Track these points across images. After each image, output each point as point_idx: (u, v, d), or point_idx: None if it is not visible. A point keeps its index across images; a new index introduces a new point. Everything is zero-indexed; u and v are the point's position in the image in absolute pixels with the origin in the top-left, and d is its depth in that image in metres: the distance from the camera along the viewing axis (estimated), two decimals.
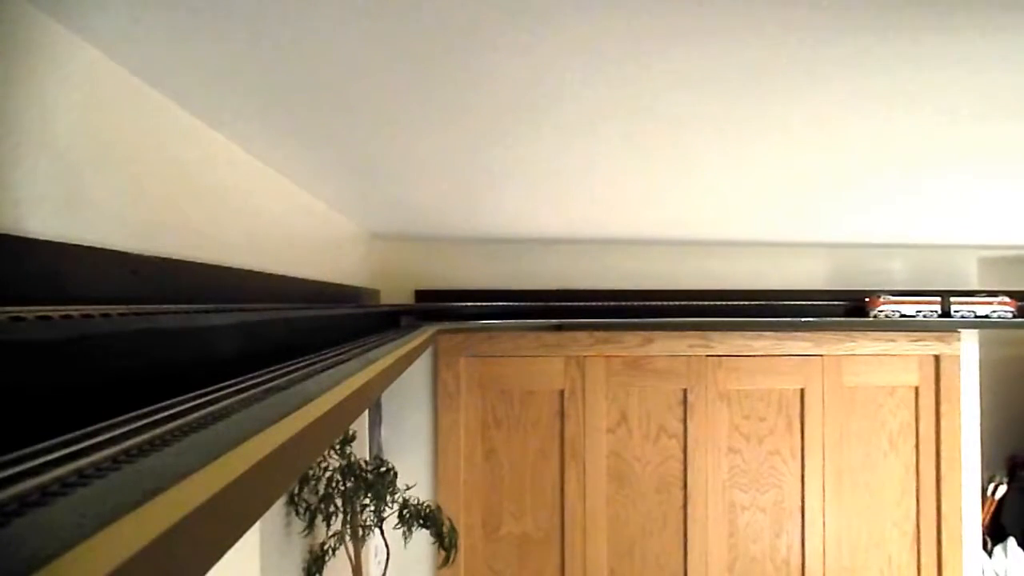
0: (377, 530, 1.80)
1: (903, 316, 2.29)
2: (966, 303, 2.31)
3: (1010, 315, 2.31)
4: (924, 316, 2.30)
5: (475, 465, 2.34)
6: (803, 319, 2.35)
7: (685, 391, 2.39)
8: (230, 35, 0.67)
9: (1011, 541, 2.56)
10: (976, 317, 2.30)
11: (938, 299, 2.32)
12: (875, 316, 2.31)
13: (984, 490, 2.59)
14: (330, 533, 1.68)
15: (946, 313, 2.31)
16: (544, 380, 2.35)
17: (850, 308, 2.40)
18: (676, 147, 1.14)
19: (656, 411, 2.39)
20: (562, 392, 2.35)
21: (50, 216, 0.61)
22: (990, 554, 2.56)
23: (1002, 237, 2.26)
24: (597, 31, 0.67)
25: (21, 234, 0.56)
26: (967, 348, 2.51)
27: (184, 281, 0.85)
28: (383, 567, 1.89)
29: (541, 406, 2.36)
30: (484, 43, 0.70)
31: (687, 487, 2.38)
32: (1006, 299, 2.32)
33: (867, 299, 2.34)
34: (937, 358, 2.47)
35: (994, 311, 2.30)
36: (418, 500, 1.85)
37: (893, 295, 2.32)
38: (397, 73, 0.78)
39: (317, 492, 1.62)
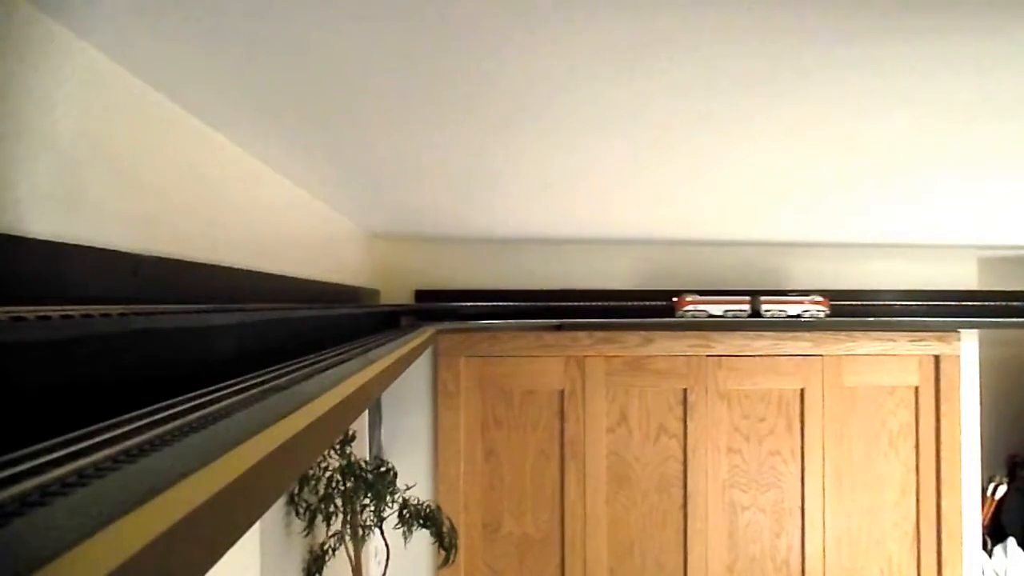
0: (377, 530, 1.80)
1: (710, 316, 2.22)
2: (776, 302, 2.24)
3: (822, 314, 2.24)
4: (733, 316, 2.22)
5: (475, 465, 2.34)
6: (803, 319, 2.35)
7: (685, 391, 2.39)
8: (230, 35, 0.67)
9: (1011, 541, 2.56)
10: (788, 317, 2.23)
11: (747, 298, 2.24)
12: (681, 316, 2.22)
13: (984, 490, 2.59)
14: (330, 533, 1.68)
15: (756, 313, 2.23)
16: (544, 380, 2.35)
17: (662, 308, 2.30)
18: (677, 147, 1.14)
19: (656, 411, 2.39)
20: (562, 392, 2.35)
21: (50, 216, 0.61)
22: (990, 554, 2.56)
23: (1002, 237, 2.26)
24: (597, 32, 0.67)
25: (21, 234, 0.56)
26: (967, 348, 2.51)
27: (184, 281, 0.85)
28: (383, 567, 1.89)
29: (541, 406, 2.36)
30: (485, 44, 0.70)
31: (687, 487, 2.38)
32: (818, 298, 2.26)
33: (674, 299, 2.26)
34: (937, 358, 2.47)
35: (806, 310, 2.24)
36: (418, 500, 1.85)
37: (700, 294, 2.24)
38: (398, 74, 0.78)
39: (317, 492, 1.62)
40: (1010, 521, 2.63)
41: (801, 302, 2.25)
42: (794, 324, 2.35)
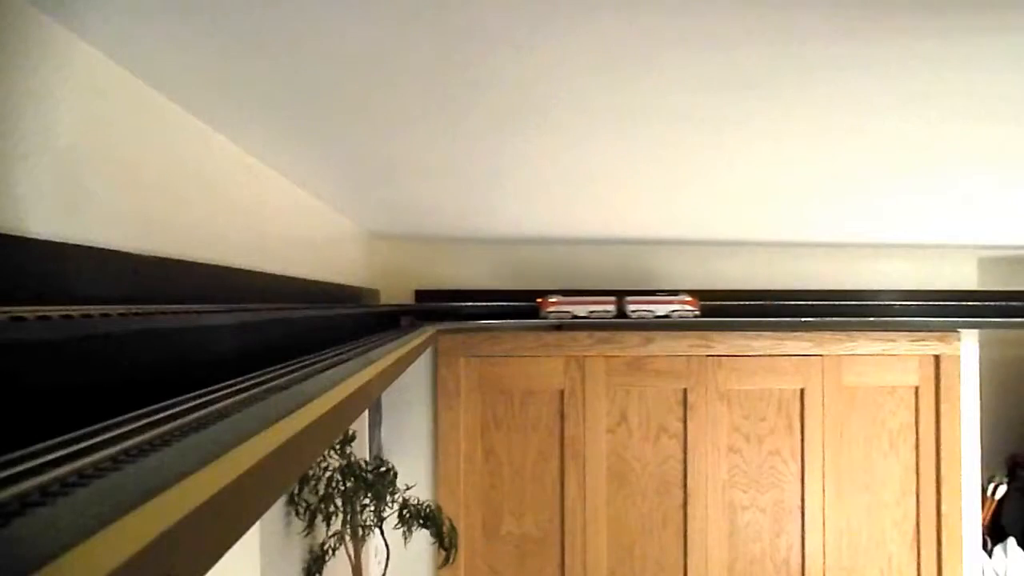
0: (377, 530, 1.80)
1: (575, 318, 2.16)
2: (643, 303, 2.19)
3: (691, 315, 2.19)
4: (598, 317, 2.16)
5: (475, 465, 2.34)
6: (803, 319, 2.35)
7: (685, 391, 2.39)
8: (231, 36, 0.67)
9: (1011, 541, 2.56)
10: (656, 317, 2.18)
11: (613, 299, 2.19)
12: (545, 317, 2.16)
13: (984, 490, 2.59)
14: (330, 533, 1.68)
15: (622, 313, 2.18)
16: (544, 380, 2.35)
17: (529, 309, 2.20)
18: (676, 148, 1.14)
19: (656, 411, 2.39)
20: (562, 392, 2.35)
21: (50, 216, 0.61)
22: (990, 554, 2.56)
23: (1002, 237, 2.26)
24: (598, 33, 0.67)
25: (21, 234, 0.56)
26: (967, 348, 2.51)
27: (184, 281, 0.85)
28: (383, 567, 1.89)
29: (541, 406, 2.36)
30: (485, 44, 0.70)
31: (687, 487, 2.38)
32: (687, 297, 2.20)
33: (538, 299, 2.19)
34: (937, 358, 2.47)
35: (674, 310, 2.19)
36: (418, 500, 1.85)
37: (564, 295, 2.18)
38: (398, 73, 0.78)
39: (317, 492, 1.62)
40: (1010, 521, 2.62)
41: (669, 302, 2.20)
42: (794, 324, 2.35)
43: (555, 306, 2.16)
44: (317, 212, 1.60)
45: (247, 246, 1.12)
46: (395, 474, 1.82)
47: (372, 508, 1.75)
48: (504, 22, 0.64)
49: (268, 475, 0.41)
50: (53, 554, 0.23)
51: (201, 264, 0.90)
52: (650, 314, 2.18)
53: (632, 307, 2.18)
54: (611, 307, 2.19)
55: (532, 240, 2.37)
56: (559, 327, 2.35)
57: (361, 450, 2.01)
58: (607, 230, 2.18)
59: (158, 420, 0.43)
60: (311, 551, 1.65)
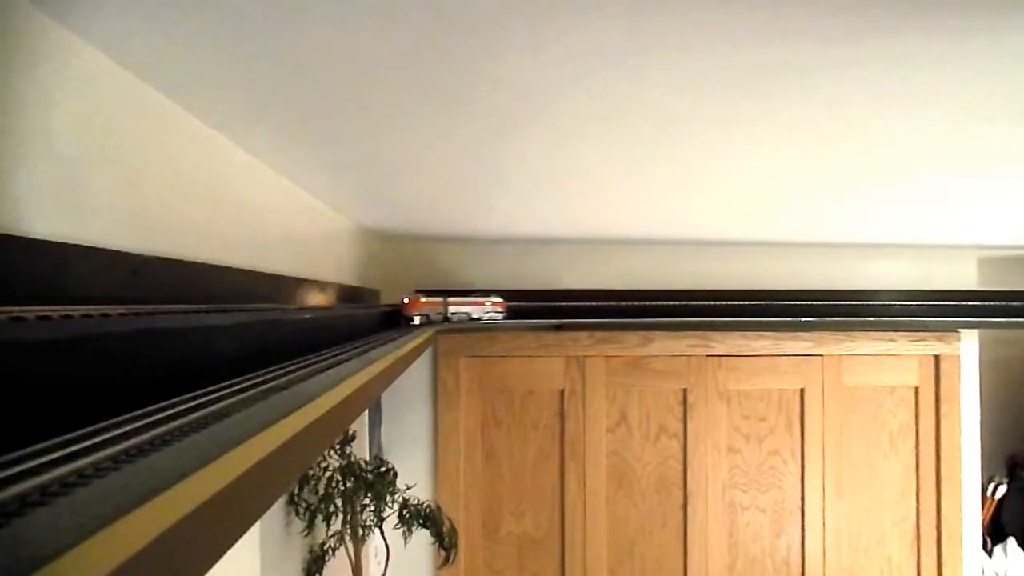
0: (377, 530, 1.80)
1: (430, 320, 2.05)
2: (461, 304, 2.11)
3: (500, 316, 2.16)
4: (431, 319, 2.05)
5: (475, 465, 2.34)
6: (803, 319, 2.35)
7: (685, 391, 2.39)
8: (230, 35, 0.67)
9: (1011, 541, 2.56)
10: (471, 319, 2.13)
11: (440, 299, 2.10)
12: (414, 320, 2.02)
13: (984, 490, 2.59)
14: (330, 533, 1.68)
15: (445, 317, 2.10)
16: (544, 380, 2.35)
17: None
18: (676, 148, 1.14)
19: (656, 411, 2.39)
20: (562, 392, 2.35)
21: (50, 216, 0.61)
22: (990, 554, 2.56)
23: (1002, 237, 2.26)
24: (597, 33, 0.67)
25: (21, 234, 0.56)
26: (967, 348, 2.51)
27: (184, 281, 0.85)
28: (383, 567, 1.89)
29: (541, 406, 2.36)
30: (485, 44, 0.70)
31: (687, 487, 2.38)
32: (496, 299, 2.17)
33: (405, 299, 2.05)
34: (937, 358, 2.47)
35: (486, 312, 2.15)
36: (418, 500, 1.85)
37: (426, 294, 2.08)
38: (398, 73, 0.78)
39: (317, 492, 1.62)
40: (1010, 521, 2.62)
41: (481, 304, 2.16)
42: (794, 324, 2.35)
43: (424, 308, 2.03)
44: (317, 212, 1.60)
45: (247, 246, 1.12)
46: (395, 474, 1.82)
47: (372, 508, 1.75)
48: (504, 22, 0.64)
49: (268, 475, 0.41)
50: (53, 554, 0.23)
51: (201, 264, 0.90)
52: (466, 316, 2.13)
53: (452, 309, 2.11)
54: (440, 308, 2.10)
55: (533, 240, 2.37)
56: (559, 327, 2.35)
57: (361, 450, 2.01)
58: (607, 230, 2.18)
59: (158, 420, 0.43)
60: (311, 551, 1.65)
